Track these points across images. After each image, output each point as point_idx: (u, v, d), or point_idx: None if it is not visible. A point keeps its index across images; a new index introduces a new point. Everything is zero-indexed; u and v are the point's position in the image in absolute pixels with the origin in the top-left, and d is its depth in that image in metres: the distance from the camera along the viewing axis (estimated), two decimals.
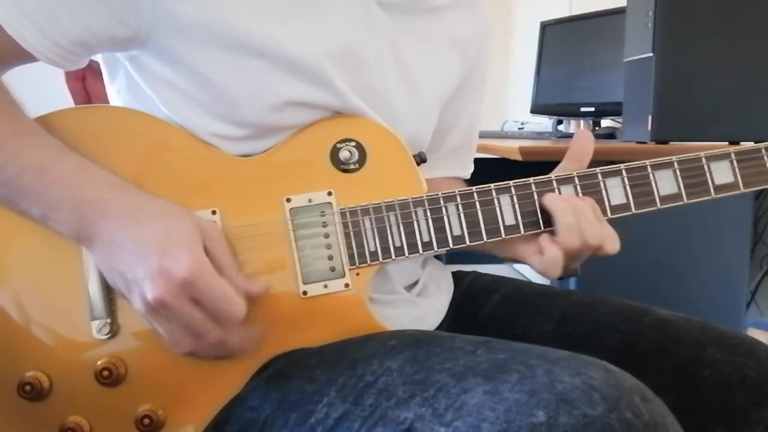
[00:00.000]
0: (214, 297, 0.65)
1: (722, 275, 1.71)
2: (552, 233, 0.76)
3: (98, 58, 0.81)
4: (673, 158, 0.76)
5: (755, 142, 0.79)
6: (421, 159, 0.79)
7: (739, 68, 1.58)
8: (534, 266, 0.77)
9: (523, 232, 0.76)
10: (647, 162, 0.77)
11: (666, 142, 1.58)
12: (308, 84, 0.73)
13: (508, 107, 3.48)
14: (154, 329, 0.68)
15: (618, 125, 2.19)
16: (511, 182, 0.76)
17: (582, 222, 0.73)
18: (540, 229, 0.76)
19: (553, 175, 0.77)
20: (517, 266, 3.01)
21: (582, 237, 0.73)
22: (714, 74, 1.58)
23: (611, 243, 0.75)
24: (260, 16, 0.71)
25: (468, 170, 0.99)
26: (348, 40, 0.75)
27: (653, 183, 0.76)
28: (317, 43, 0.73)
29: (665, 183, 0.76)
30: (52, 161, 0.69)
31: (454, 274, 0.96)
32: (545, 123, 2.51)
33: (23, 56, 0.71)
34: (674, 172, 0.76)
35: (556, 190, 0.76)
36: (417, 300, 0.85)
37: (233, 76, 0.72)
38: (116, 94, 0.81)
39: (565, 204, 0.74)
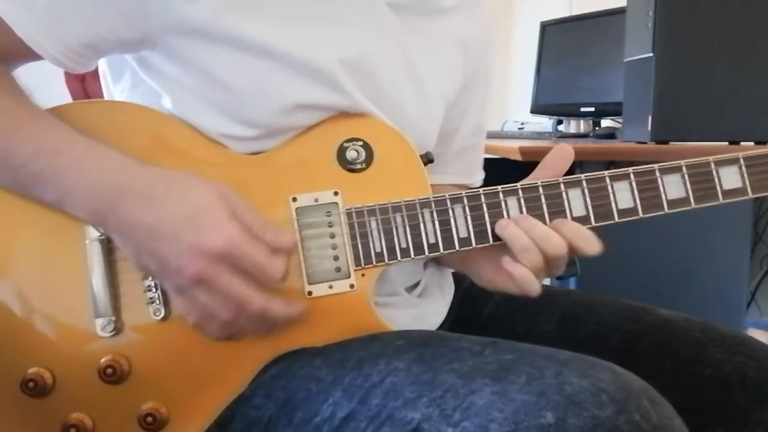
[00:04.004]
0: (254, 262, 0.65)
1: (722, 275, 1.71)
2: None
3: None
4: (682, 162, 0.75)
5: (755, 143, 0.79)
6: (428, 159, 0.78)
7: (739, 68, 1.58)
8: (511, 292, 0.75)
9: None
10: (656, 166, 0.75)
11: (666, 142, 1.58)
12: (320, 87, 0.73)
13: (508, 107, 3.47)
14: (187, 312, 0.68)
15: (618, 125, 2.18)
16: (518, 184, 0.75)
17: (536, 238, 0.71)
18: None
19: (561, 177, 0.75)
20: None
21: (543, 253, 0.71)
22: (714, 74, 1.58)
23: (585, 244, 0.71)
24: (272, 19, 0.71)
25: (476, 177, 0.98)
26: (361, 45, 0.75)
27: (661, 187, 0.75)
28: (330, 48, 0.73)
29: (673, 187, 0.75)
30: (64, 143, 0.69)
31: (455, 275, 0.96)
32: (545, 123, 2.51)
33: (32, 56, 0.71)
34: (682, 176, 0.75)
35: (564, 194, 0.74)
36: (417, 301, 0.85)
37: (244, 77, 0.71)
38: (119, 94, 0.81)
39: (515, 228, 0.72)
